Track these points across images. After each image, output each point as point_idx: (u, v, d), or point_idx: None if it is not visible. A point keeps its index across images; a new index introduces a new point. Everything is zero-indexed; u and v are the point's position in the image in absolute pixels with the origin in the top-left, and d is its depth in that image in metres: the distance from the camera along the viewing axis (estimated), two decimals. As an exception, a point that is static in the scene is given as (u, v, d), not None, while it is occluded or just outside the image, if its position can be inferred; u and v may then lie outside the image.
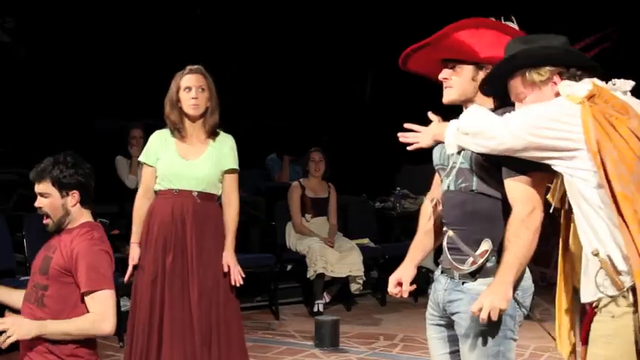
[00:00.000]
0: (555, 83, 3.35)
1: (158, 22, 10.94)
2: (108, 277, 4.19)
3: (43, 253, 4.26)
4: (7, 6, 10.23)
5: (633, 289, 3.10)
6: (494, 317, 3.37)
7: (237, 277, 5.18)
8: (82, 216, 4.33)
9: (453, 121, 3.55)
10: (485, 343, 3.56)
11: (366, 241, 9.93)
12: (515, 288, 3.53)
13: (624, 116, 3.16)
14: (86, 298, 4.13)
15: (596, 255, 3.17)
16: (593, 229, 3.20)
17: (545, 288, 11.10)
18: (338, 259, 9.10)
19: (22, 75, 10.25)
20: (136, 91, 10.01)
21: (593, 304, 3.24)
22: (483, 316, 3.37)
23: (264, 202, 9.96)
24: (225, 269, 5.16)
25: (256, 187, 10.36)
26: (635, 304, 3.12)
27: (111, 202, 8.07)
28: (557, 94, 3.32)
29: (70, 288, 4.14)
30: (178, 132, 5.21)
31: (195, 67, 5.24)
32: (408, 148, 3.76)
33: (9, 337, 3.90)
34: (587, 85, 3.25)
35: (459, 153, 3.66)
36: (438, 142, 3.68)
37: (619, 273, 3.14)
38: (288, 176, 10.60)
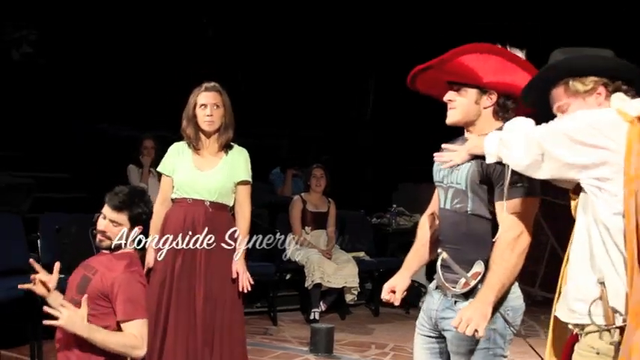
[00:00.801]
0: (600, 94, 3.12)
1: (170, 40, 10.99)
2: (143, 307, 4.28)
3: (82, 272, 4.32)
4: (30, 18, 10.30)
5: (621, 328, 2.91)
6: (470, 333, 3.36)
7: (245, 283, 5.21)
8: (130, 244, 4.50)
9: (493, 132, 3.42)
10: None
11: (362, 254, 9.97)
12: (501, 306, 3.52)
13: None
14: (122, 325, 4.22)
15: (602, 283, 2.95)
16: (592, 254, 3.00)
17: (529, 305, 11.16)
18: (335, 270, 9.17)
19: (37, 82, 10.31)
20: (149, 104, 10.06)
21: (576, 331, 3.08)
22: (461, 330, 3.37)
23: (267, 213, 10.01)
24: (234, 275, 5.22)
25: (260, 200, 10.38)
26: (619, 343, 2.91)
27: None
28: (586, 106, 3.12)
29: (103, 310, 4.22)
30: (194, 145, 5.27)
31: (212, 84, 5.27)
32: (443, 166, 3.69)
33: (57, 320, 3.98)
34: None
35: (451, 171, 3.67)
36: (474, 158, 3.59)
37: (612, 309, 2.94)
38: (290, 190, 10.64)
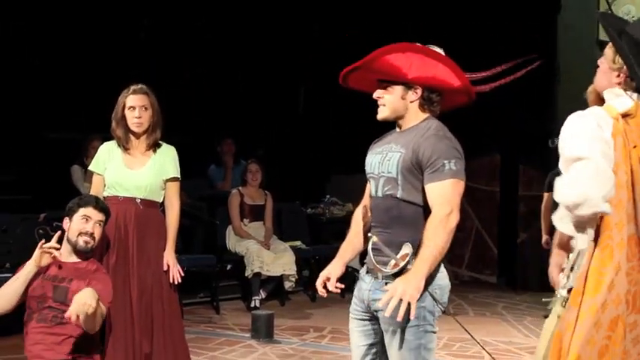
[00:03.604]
0: (619, 76, 3.08)
1: (110, 44, 10.79)
2: (108, 301, 4.51)
3: (50, 284, 4.45)
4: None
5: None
6: (404, 305, 3.34)
7: (176, 275, 5.14)
8: None
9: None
10: (407, 337, 3.58)
11: (298, 243, 10.00)
12: (429, 285, 3.53)
13: None
14: None
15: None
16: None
17: (457, 285, 11.32)
18: (273, 259, 9.19)
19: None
20: (87, 108, 9.87)
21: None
22: (392, 304, 3.34)
23: (205, 207, 9.98)
24: (165, 268, 5.14)
25: (200, 195, 10.35)
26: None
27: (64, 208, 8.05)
28: (607, 82, 3.10)
29: None
30: (124, 145, 5.19)
31: (139, 86, 5.19)
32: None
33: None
34: (630, 101, 3.02)
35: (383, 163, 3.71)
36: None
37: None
38: (230, 184, 10.54)
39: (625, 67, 3.02)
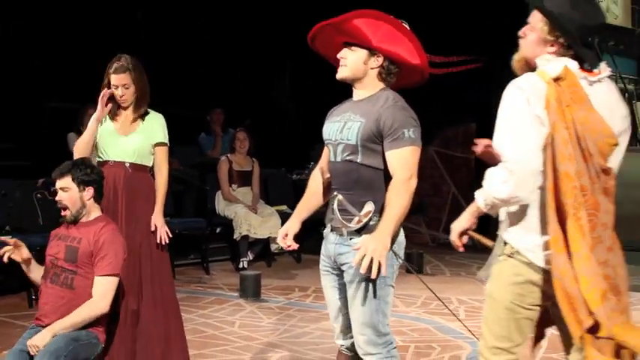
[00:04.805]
0: (553, 46, 3.16)
1: (102, 24, 10.71)
2: (120, 263, 4.41)
3: (62, 244, 4.39)
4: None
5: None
6: (375, 262, 3.43)
7: (163, 235, 5.12)
8: (94, 209, 4.53)
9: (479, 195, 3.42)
10: (367, 288, 3.66)
11: (284, 207, 10.02)
12: (393, 242, 3.61)
13: (575, 105, 3.03)
14: (97, 278, 4.33)
15: None
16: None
17: (435, 248, 11.40)
18: (260, 222, 9.25)
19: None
20: (92, 77, 9.83)
21: None
22: (365, 261, 3.43)
23: (196, 173, 9.99)
24: (153, 229, 5.12)
25: (191, 161, 10.35)
26: (511, 255, 3.27)
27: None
28: (539, 51, 3.18)
29: (92, 269, 4.36)
30: (113, 115, 5.17)
31: (120, 64, 5.08)
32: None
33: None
34: (560, 65, 3.10)
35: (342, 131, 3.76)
36: None
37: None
38: (219, 152, 10.55)
39: (562, 38, 3.12)
